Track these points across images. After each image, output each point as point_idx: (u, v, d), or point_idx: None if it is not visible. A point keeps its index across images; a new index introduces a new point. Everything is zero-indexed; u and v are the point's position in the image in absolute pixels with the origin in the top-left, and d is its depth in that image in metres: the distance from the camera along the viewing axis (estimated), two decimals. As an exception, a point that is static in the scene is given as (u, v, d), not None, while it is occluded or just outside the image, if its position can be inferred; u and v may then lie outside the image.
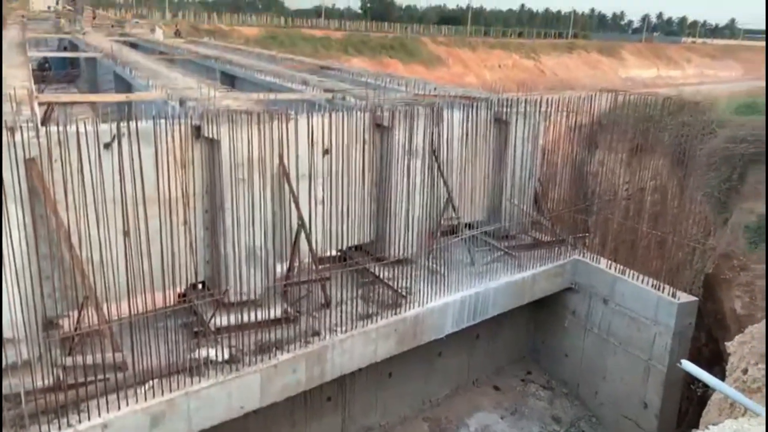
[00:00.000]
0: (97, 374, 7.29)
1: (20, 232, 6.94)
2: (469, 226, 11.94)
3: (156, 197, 8.02)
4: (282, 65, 19.90)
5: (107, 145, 7.66)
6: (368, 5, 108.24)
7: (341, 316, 9.20)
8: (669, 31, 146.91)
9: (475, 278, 11.06)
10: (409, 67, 61.20)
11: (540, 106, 12.39)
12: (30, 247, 7.15)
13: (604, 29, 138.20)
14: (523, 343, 13.70)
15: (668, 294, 10.80)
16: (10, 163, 6.77)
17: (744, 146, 11.04)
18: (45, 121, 9.27)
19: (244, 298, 8.76)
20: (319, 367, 8.84)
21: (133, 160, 7.60)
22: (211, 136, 8.39)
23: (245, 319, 8.45)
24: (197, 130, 8.46)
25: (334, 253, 10.50)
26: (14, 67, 13.71)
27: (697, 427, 6.16)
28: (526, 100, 12.37)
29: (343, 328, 9.13)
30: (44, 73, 27.82)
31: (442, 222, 11.35)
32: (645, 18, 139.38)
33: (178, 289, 8.69)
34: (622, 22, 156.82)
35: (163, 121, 8.15)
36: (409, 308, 9.96)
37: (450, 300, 10.44)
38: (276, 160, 8.91)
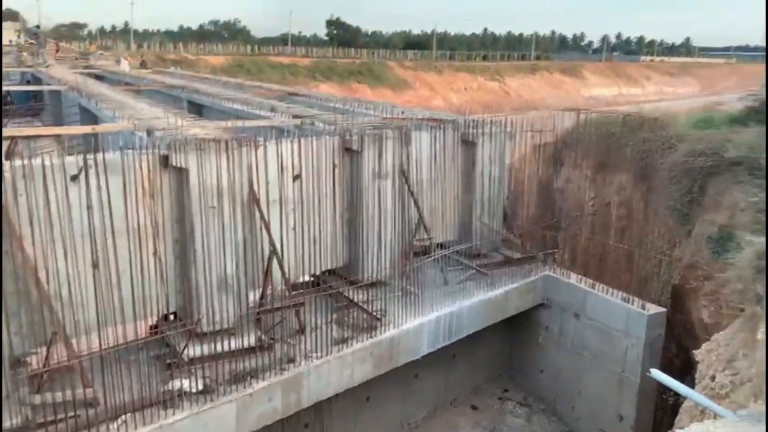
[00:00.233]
0: (68, 411, 7.11)
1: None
2: (441, 245, 12.04)
3: (125, 228, 7.94)
4: (249, 92, 19.94)
5: (74, 178, 7.59)
6: (334, 32, 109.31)
7: (316, 342, 9.15)
8: (628, 50, 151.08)
9: (449, 298, 11.12)
10: (377, 91, 61.83)
11: (505, 127, 12.64)
12: (-5, 284, 7.00)
13: (566, 50, 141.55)
14: (499, 361, 13.76)
15: (638, 306, 11.00)
16: (-26, 199, 6.66)
17: (702, 159, 11.37)
18: (9, 155, 9.15)
19: (217, 327, 8.67)
20: (296, 394, 8.76)
21: (100, 191, 7.54)
22: (179, 165, 8.37)
23: (219, 348, 8.35)
24: (165, 160, 8.43)
25: (307, 278, 10.48)
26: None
27: (671, 436, 6.25)
28: (491, 121, 12.62)
29: (319, 354, 9.07)
30: (6, 107, 27.38)
31: (414, 243, 11.43)
32: (604, 38, 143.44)
33: (149, 321, 8.57)
34: (583, 43, 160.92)
35: (130, 151, 8.11)
36: (385, 331, 9.96)
37: (425, 321, 10.47)
38: (246, 187, 8.91)
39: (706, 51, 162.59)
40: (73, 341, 7.50)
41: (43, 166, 7.27)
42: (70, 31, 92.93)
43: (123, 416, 7.31)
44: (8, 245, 7.12)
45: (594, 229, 13.51)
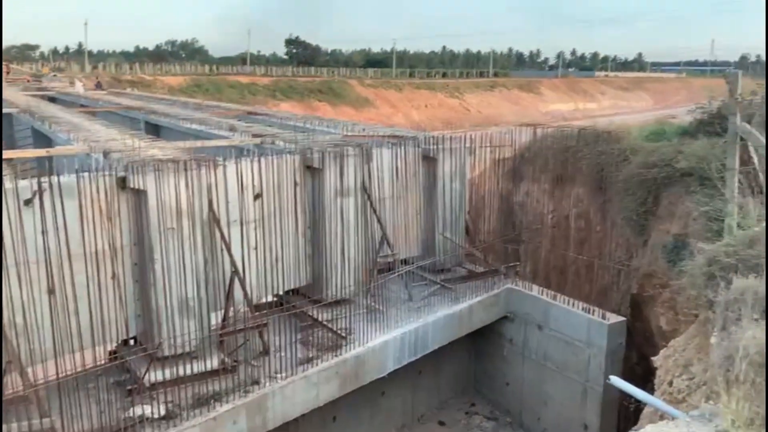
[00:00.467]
0: (23, 443, 6.90)
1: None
2: (405, 261, 12.09)
3: (82, 252, 7.78)
4: (208, 112, 19.79)
5: (28, 202, 7.41)
6: (294, 51, 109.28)
7: (281, 362, 9.07)
8: (583, 66, 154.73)
9: (414, 314, 11.16)
10: (339, 109, 62.00)
11: (465, 142, 12.82)
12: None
13: (523, 67, 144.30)
14: (466, 375, 13.82)
15: (598, 316, 11.21)
16: None
17: (655, 171, 11.70)
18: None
19: (179, 350, 8.52)
20: (261, 416, 8.64)
21: (56, 215, 7.37)
22: (137, 186, 8.25)
23: (181, 372, 8.21)
24: (123, 182, 8.31)
25: (270, 298, 10.39)
26: None
27: (634, 442, 6.36)
28: (451, 137, 12.78)
29: (284, 375, 8.99)
30: None
31: (378, 259, 11.45)
32: (560, 55, 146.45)
33: (108, 346, 8.39)
34: (539, 60, 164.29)
35: (86, 174, 7.97)
36: (350, 349, 9.92)
37: (390, 337, 10.47)
38: (206, 208, 8.82)
39: (657, 66, 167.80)
40: (29, 370, 7.27)
41: (-5, 191, 7.08)
42: (21, 53, 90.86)
43: (82, 446, 7.11)
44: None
45: (554, 242, 13.75)
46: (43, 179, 7.36)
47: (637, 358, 11.97)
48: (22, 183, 7.46)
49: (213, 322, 9.20)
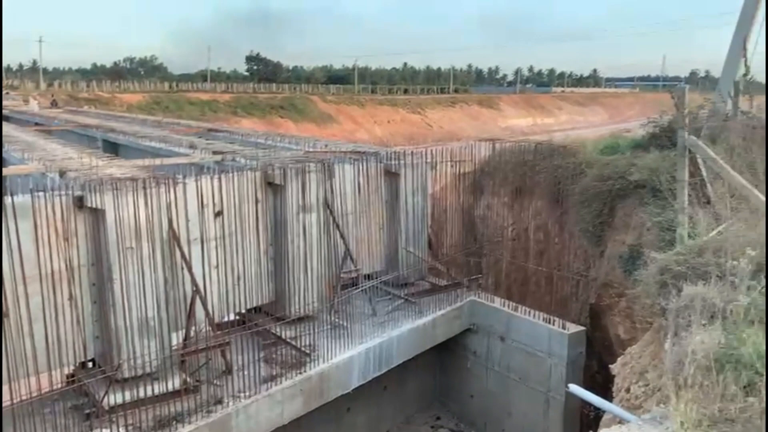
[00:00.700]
0: (-24, 472, 6.67)
1: None
2: (369, 276, 12.13)
3: (37, 274, 7.60)
4: (168, 130, 19.61)
5: (-21, 223, 7.23)
6: (255, 67, 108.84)
7: (244, 381, 8.98)
8: (540, 82, 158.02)
9: (378, 328, 11.19)
10: (301, 125, 61.97)
11: (427, 157, 12.98)
12: None
13: (482, 83, 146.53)
14: (431, 389, 13.86)
15: (559, 326, 11.42)
16: None
17: (610, 183, 12.03)
18: None
19: (139, 371, 8.37)
20: (224, 436, 8.53)
21: (9, 236, 7.20)
22: (94, 205, 8.13)
23: (141, 394, 8.06)
24: (80, 201, 8.18)
25: (232, 317, 10.30)
26: None
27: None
28: (413, 153, 12.93)
29: (247, 393, 8.90)
30: None
31: (341, 275, 11.46)
32: (518, 71, 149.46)
33: (65, 370, 8.19)
34: (498, 76, 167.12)
35: (41, 193, 7.83)
36: (314, 366, 9.88)
37: (354, 353, 10.47)
38: (165, 226, 8.73)
39: (611, 81, 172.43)
40: (-19, 396, 7.05)
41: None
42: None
43: (38, 473, 6.91)
44: None
45: (514, 254, 13.97)
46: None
47: (597, 366, 12.21)
48: (-26, 204, 7.27)
49: (174, 341, 9.07)
